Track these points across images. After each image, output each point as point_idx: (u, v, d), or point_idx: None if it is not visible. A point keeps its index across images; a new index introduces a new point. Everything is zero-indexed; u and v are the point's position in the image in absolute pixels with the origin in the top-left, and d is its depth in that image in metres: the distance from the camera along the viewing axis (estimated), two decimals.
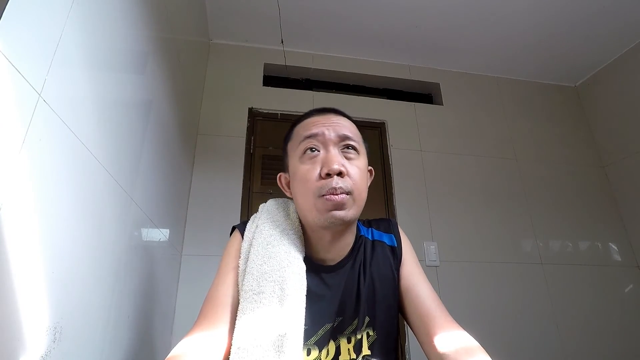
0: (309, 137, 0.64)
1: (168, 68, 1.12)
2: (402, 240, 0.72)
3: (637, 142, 1.92)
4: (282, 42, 1.95)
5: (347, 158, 0.64)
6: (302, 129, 0.67)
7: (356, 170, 0.64)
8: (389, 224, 0.75)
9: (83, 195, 0.60)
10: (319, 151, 0.64)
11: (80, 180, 0.59)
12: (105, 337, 0.71)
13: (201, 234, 1.55)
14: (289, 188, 0.70)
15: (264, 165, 1.74)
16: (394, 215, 1.77)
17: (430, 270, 1.65)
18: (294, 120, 0.73)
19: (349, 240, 0.68)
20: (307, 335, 0.60)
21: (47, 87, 0.49)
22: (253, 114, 1.83)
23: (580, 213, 1.96)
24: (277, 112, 1.87)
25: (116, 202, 0.74)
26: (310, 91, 1.97)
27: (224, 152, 1.72)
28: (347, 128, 0.67)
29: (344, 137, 0.65)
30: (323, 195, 0.60)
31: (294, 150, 0.67)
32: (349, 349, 0.61)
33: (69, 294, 0.56)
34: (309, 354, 0.60)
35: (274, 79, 2.03)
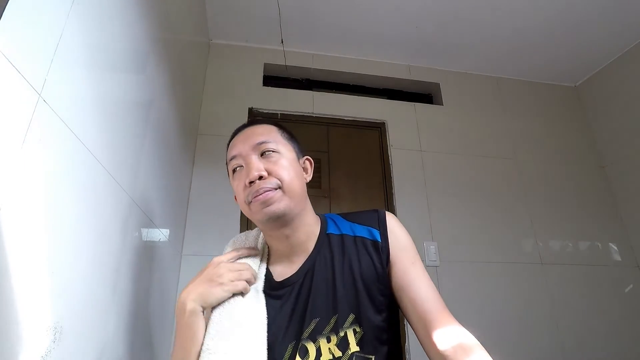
0: (231, 159, 0.72)
1: (168, 68, 1.12)
2: (391, 237, 0.70)
3: (637, 142, 1.92)
4: (282, 42, 1.95)
5: (269, 161, 0.69)
6: (228, 154, 0.75)
7: (279, 167, 0.68)
8: (373, 217, 0.73)
9: (83, 195, 0.60)
10: (242, 166, 0.70)
11: (80, 180, 0.59)
12: (105, 337, 0.71)
13: (201, 234, 1.55)
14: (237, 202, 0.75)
15: None
16: None
17: (430, 270, 1.65)
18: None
19: (303, 235, 0.71)
20: (281, 349, 0.63)
21: (47, 87, 0.49)
22: (253, 114, 1.83)
23: (580, 213, 1.96)
24: (277, 112, 1.87)
25: (116, 202, 0.74)
26: (310, 91, 1.97)
27: (224, 152, 1.71)
28: (261, 134, 0.72)
29: (258, 144, 0.70)
30: (251, 201, 0.67)
31: (228, 173, 0.74)
32: (329, 348, 0.62)
33: (69, 294, 0.56)
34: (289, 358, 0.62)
35: (274, 79, 2.03)
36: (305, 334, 0.64)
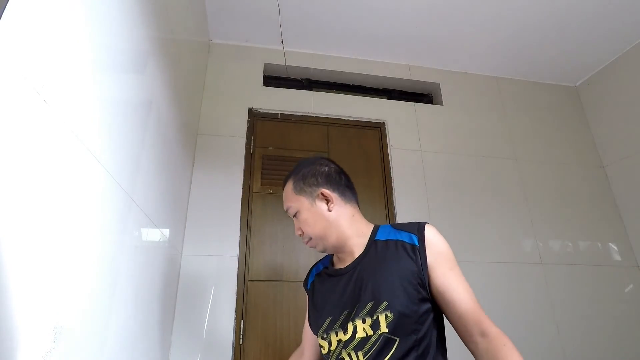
0: None
1: (168, 68, 1.12)
2: (428, 243, 0.82)
3: (637, 142, 1.92)
4: (282, 42, 1.95)
5: (298, 220, 0.90)
6: None
7: (305, 225, 0.89)
8: (414, 226, 0.87)
9: (83, 195, 0.60)
10: None
11: (80, 180, 0.59)
12: (105, 337, 0.71)
13: (201, 234, 1.55)
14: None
15: (264, 165, 1.74)
16: (393, 215, 1.77)
17: None
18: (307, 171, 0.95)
19: (347, 248, 0.89)
20: (333, 323, 0.82)
21: (47, 87, 0.49)
22: (253, 114, 1.83)
23: (580, 213, 1.96)
24: (277, 112, 1.87)
25: (116, 202, 0.74)
26: (310, 91, 1.97)
27: (224, 152, 1.72)
28: (285, 200, 0.92)
29: (287, 211, 0.93)
30: None
31: None
32: (364, 328, 0.77)
33: (69, 294, 0.56)
34: (336, 335, 0.81)
35: (274, 79, 2.03)
36: (347, 315, 0.81)
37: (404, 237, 0.85)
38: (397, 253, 0.83)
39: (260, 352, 1.45)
